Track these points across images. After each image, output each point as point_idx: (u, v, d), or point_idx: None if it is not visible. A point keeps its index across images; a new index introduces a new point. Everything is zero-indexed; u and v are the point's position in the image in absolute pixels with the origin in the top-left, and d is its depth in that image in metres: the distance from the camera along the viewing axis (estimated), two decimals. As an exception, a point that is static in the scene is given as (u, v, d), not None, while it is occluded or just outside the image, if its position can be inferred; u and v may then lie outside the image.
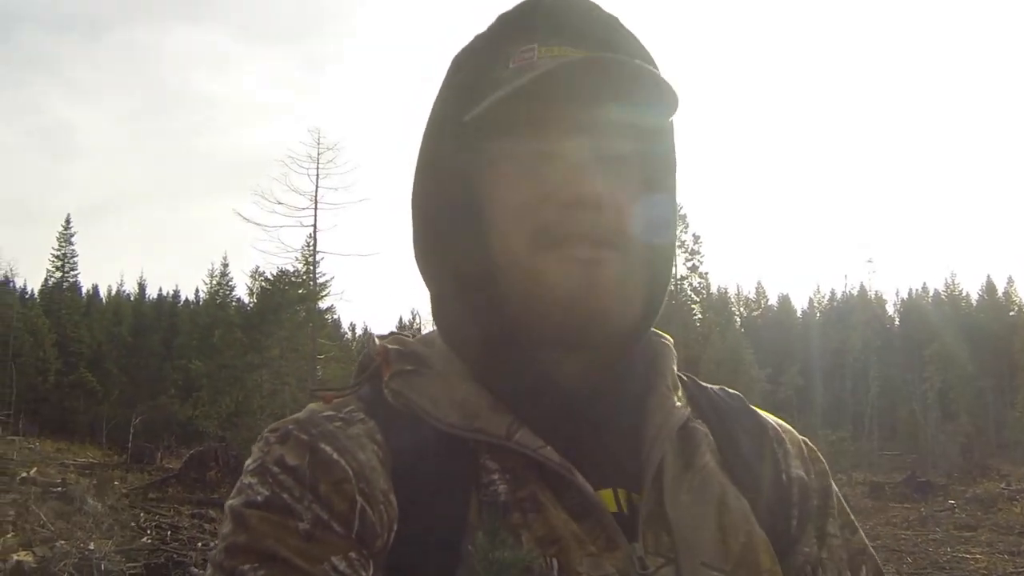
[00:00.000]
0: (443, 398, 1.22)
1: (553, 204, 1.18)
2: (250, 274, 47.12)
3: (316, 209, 44.55)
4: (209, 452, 26.21)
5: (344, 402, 1.26)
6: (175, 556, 11.95)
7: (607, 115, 1.22)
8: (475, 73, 1.28)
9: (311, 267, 45.05)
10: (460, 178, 1.26)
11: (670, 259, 1.33)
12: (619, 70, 1.18)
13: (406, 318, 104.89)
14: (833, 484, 1.44)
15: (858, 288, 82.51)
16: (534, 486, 1.18)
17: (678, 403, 1.33)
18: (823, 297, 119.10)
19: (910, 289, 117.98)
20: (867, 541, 1.43)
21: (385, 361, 1.30)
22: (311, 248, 44.96)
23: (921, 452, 62.28)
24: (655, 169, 1.31)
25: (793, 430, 1.48)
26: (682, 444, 1.31)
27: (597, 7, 1.30)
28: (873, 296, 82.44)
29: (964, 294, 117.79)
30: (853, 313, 69.90)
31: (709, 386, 1.46)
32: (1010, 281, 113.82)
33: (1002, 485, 28.38)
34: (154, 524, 15.47)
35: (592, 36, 1.28)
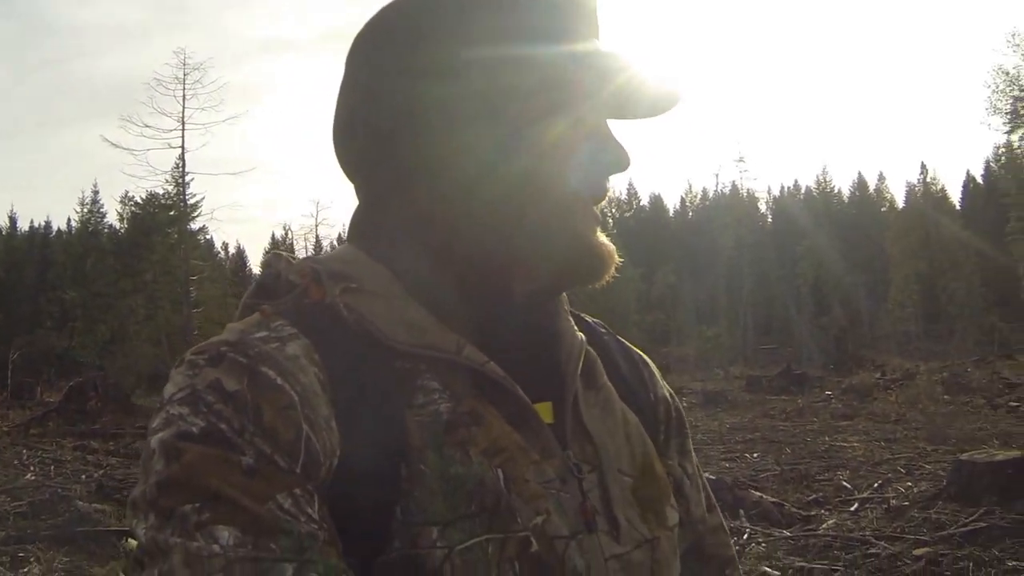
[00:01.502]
0: (388, 317, 1.19)
1: (595, 161, 1.24)
2: (120, 200, 46.29)
3: (184, 130, 44.12)
4: (88, 383, 25.63)
5: (271, 318, 1.18)
6: (59, 490, 11.68)
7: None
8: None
9: (181, 188, 44.75)
10: (497, 92, 1.20)
11: None
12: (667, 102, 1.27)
13: (278, 234, 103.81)
14: None
15: (730, 187, 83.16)
16: (474, 400, 1.18)
17: (575, 327, 1.39)
18: (695, 196, 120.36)
19: (782, 186, 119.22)
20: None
21: (314, 281, 1.23)
22: (180, 169, 44.61)
23: (796, 345, 63.67)
24: None
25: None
26: (583, 366, 1.35)
27: None
28: (745, 194, 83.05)
29: (836, 191, 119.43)
30: (726, 212, 70.50)
31: (582, 314, 1.52)
32: (881, 177, 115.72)
33: (877, 375, 29.13)
34: (37, 460, 15.17)
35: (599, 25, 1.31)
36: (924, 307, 77.54)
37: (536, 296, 1.29)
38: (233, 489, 0.97)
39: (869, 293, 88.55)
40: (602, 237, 1.27)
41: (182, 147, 44.06)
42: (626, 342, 1.56)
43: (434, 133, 1.22)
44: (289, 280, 1.26)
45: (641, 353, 1.57)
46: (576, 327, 1.39)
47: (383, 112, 1.24)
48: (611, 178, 1.27)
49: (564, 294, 1.40)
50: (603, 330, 1.53)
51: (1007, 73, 51.52)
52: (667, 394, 1.53)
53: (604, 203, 1.29)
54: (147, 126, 42.32)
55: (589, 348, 1.38)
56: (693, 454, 1.54)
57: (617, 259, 1.29)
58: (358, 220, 1.33)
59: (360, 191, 1.33)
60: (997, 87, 52.26)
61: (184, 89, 44.15)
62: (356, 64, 1.29)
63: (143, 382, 41.32)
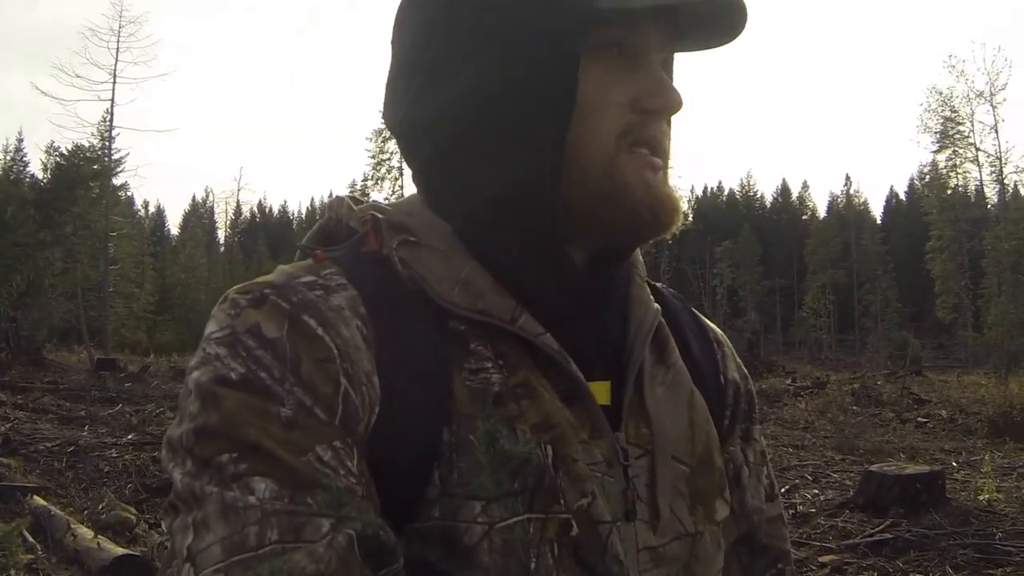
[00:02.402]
0: (445, 275, 1.16)
1: (635, 108, 1.15)
2: (45, 149, 45.49)
3: (115, 83, 43.82)
4: (0, 333, 25.42)
5: (322, 264, 1.16)
6: None
7: (677, 43, 1.22)
8: None
9: (107, 143, 44.29)
10: (570, 73, 1.13)
11: None
12: (733, 13, 1.16)
13: (199, 196, 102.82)
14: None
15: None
16: (527, 372, 1.14)
17: (651, 297, 1.33)
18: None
19: (705, 186, 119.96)
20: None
21: (373, 230, 1.21)
22: (108, 123, 44.19)
23: (709, 347, 64.21)
24: None
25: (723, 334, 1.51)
26: (655, 338, 1.30)
27: None
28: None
29: (759, 195, 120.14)
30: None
31: (658, 284, 1.46)
32: (805, 185, 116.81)
33: (787, 381, 29.48)
34: (-55, 410, 15.07)
35: None
36: (838, 317, 78.51)
37: (596, 261, 1.23)
38: (271, 441, 0.96)
39: (785, 299, 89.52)
40: (659, 187, 1.17)
41: (111, 100, 43.91)
42: (703, 318, 1.50)
43: (461, 72, 1.17)
44: (350, 226, 1.24)
45: (717, 331, 1.50)
46: (651, 298, 1.33)
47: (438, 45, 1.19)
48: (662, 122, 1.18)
49: (640, 262, 1.36)
50: (679, 303, 1.47)
51: (940, 93, 52.27)
52: (738, 377, 1.46)
53: (665, 148, 1.20)
54: (78, 76, 41.86)
55: (663, 321, 1.33)
56: (760, 441, 1.48)
57: (681, 209, 1.20)
58: (423, 168, 1.26)
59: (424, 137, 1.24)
60: (929, 106, 53.04)
61: (118, 41, 43.80)
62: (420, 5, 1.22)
63: (55, 336, 40.83)
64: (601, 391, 1.20)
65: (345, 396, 1.02)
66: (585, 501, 1.11)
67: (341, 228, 1.26)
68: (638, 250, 1.35)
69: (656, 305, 1.31)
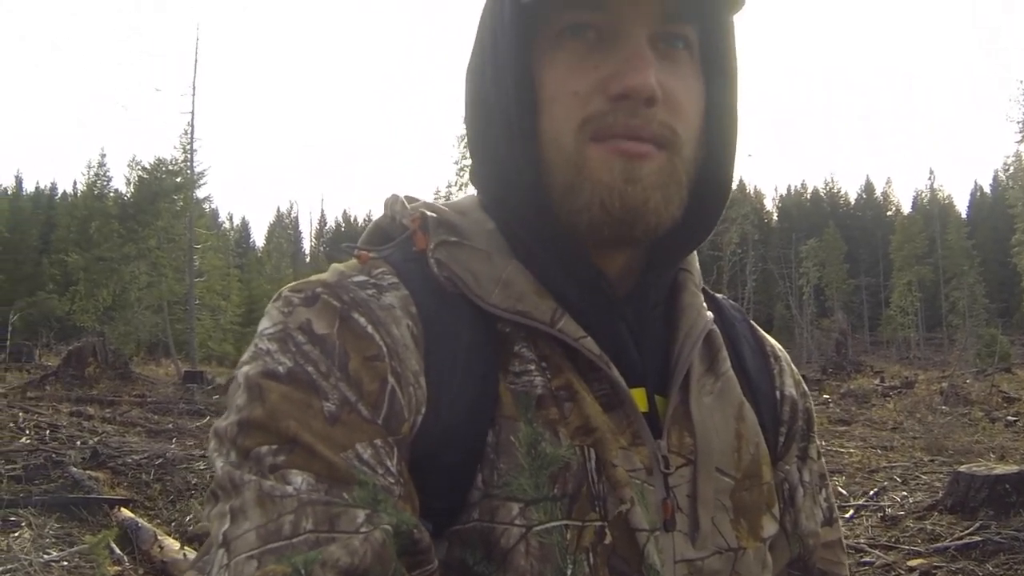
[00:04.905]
0: (486, 275, 1.16)
1: (605, 94, 1.10)
2: (128, 163, 46.30)
3: (194, 95, 44.18)
4: (87, 348, 25.63)
5: (374, 264, 1.18)
6: (53, 456, 11.63)
7: (671, 5, 1.12)
8: None
9: (188, 155, 44.61)
10: (518, 61, 1.14)
11: (729, 162, 1.23)
12: None
13: (283, 207, 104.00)
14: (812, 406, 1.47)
15: (737, 182, 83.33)
16: (569, 375, 1.14)
17: (704, 305, 1.31)
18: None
19: (789, 186, 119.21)
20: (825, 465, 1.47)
21: (421, 228, 1.22)
22: (189, 135, 44.51)
23: (796, 347, 63.60)
24: (716, 67, 1.21)
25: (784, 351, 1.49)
26: (705, 347, 1.29)
27: None
28: (752, 191, 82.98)
29: (843, 193, 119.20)
30: (732, 206, 70.58)
31: (716, 294, 1.45)
32: (888, 182, 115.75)
33: (875, 382, 28.97)
34: (33, 424, 15.09)
35: None
36: (925, 315, 77.61)
37: (635, 264, 1.23)
38: (311, 435, 0.96)
39: (871, 297, 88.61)
40: (634, 176, 1.10)
41: (192, 112, 44.19)
42: (761, 331, 1.47)
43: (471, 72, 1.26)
44: (402, 224, 1.26)
45: (776, 345, 1.47)
46: (704, 305, 1.31)
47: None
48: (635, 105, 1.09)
49: (695, 269, 1.34)
50: (738, 314, 1.45)
51: (1021, 82, 51.61)
52: (796, 393, 1.42)
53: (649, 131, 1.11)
54: (158, 90, 42.42)
55: (714, 328, 1.31)
56: (819, 462, 1.45)
57: (653, 204, 1.11)
58: (477, 166, 1.28)
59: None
60: (1013, 97, 52.52)
61: (196, 53, 44.18)
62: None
63: (142, 350, 41.40)
64: (639, 398, 1.18)
65: (391, 395, 1.03)
66: (624, 508, 1.10)
67: (395, 226, 1.28)
68: (695, 258, 1.34)
69: (709, 314, 1.29)
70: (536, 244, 1.17)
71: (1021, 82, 52.17)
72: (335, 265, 1.17)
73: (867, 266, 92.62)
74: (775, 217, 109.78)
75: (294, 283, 1.13)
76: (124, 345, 35.68)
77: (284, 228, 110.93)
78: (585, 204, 1.11)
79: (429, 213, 1.23)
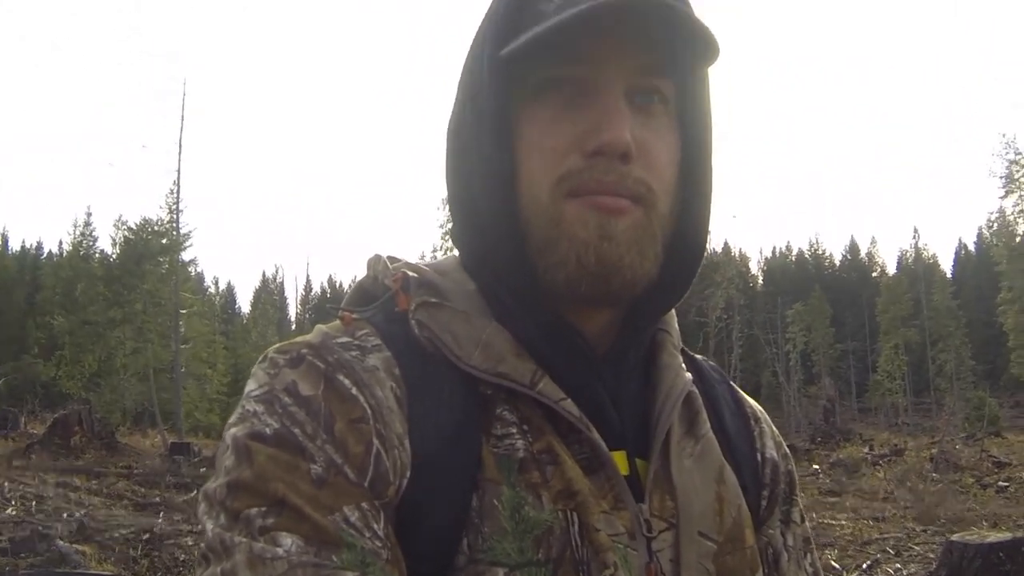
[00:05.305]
0: (467, 336, 1.16)
1: (581, 150, 1.11)
2: (114, 223, 46.20)
3: (180, 154, 44.09)
4: (73, 416, 25.52)
5: (357, 325, 1.18)
6: (40, 528, 11.59)
7: (646, 59, 1.13)
8: (520, 5, 1.17)
9: (174, 216, 44.45)
10: (498, 118, 1.15)
11: (705, 218, 1.24)
12: (666, 13, 1.08)
13: (269, 272, 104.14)
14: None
15: (722, 245, 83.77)
16: (550, 437, 1.13)
17: (683, 366, 1.31)
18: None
19: (774, 247, 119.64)
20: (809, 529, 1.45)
21: (403, 288, 1.23)
22: (175, 196, 44.40)
23: (784, 416, 63.56)
24: (691, 120, 1.21)
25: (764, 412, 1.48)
26: (685, 408, 1.28)
27: None
28: (737, 253, 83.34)
29: (827, 254, 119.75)
30: (717, 270, 70.76)
31: (696, 356, 1.44)
32: (873, 242, 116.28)
33: (865, 450, 29.09)
34: (18, 495, 15.08)
35: None
36: (912, 379, 77.71)
37: (615, 325, 1.22)
38: (299, 498, 0.97)
39: (858, 362, 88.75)
40: (610, 232, 1.10)
41: (178, 171, 43.97)
42: (741, 393, 1.46)
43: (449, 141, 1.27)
44: (385, 284, 1.26)
45: (756, 407, 1.46)
46: (683, 366, 1.30)
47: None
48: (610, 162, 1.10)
49: (675, 331, 1.34)
50: (717, 375, 1.44)
51: (1003, 135, 52.17)
52: (777, 455, 1.41)
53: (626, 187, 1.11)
54: (144, 147, 42.48)
55: (694, 390, 1.30)
56: (803, 525, 1.42)
57: (629, 260, 1.11)
58: (457, 224, 1.28)
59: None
60: (994, 150, 52.91)
61: (183, 111, 44.14)
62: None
63: (128, 419, 41.13)
64: (619, 460, 1.17)
65: (377, 458, 1.03)
66: (607, 573, 1.09)
67: (377, 286, 1.28)
68: (674, 319, 1.35)
69: (688, 375, 1.29)
70: (515, 304, 1.17)
71: (1003, 135, 52.58)
72: (319, 326, 1.18)
73: (853, 329, 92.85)
74: (760, 280, 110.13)
75: (279, 344, 1.14)
76: (110, 414, 35.57)
77: (270, 294, 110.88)
78: (562, 259, 1.12)
79: (410, 273, 1.24)
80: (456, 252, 1.32)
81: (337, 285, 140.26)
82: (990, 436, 32.65)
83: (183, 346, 43.83)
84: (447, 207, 1.30)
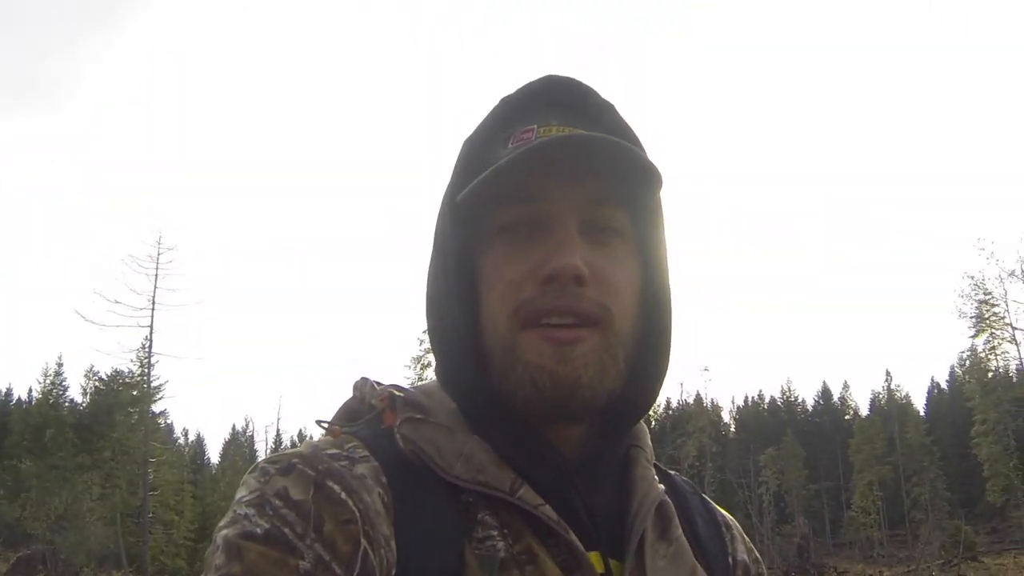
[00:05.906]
0: (449, 449, 1.23)
1: (534, 280, 1.20)
2: (85, 374, 46.05)
3: (153, 310, 44.40)
4: (37, 556, 25.27)
5: (345, 438, 1.25)
6: None
7: (595, 192, 1.24)
8: (479, 153, 1.30)
9: (146, 369, 44.67)
10: (459, 258, 1.27)
11: (666, 336, 1.33)
12: (606, 147, 1.19)
13: (239, 425, 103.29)
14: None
15: (694, 396, 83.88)
16: (530, 539, 1.19)
17: (656, 478, 1.39)
18: (658, 406, 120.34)
19: (746, 396, 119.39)
20: None
21: (389, 407, 1.30)
22: (147, 350, 44.64)
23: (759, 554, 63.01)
24: (648, 247, 1.32)
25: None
26: (658, 516, 1.34)
27: (594, 92, 1.35)
28: (709, 404, 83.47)
29: (800, 400, 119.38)
30: (689, 420, 70.73)
31: (669, 470, 1.51)
32: (845, 386, 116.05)
33: (839, 584, 28.75)
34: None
35: (587, 117, 1.32)
36: (888, 512, 77.16)
37: (589, 436, 1.30)
38: None
39: (832, 500, 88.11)
40: (565, 356, 1.19)
41: (150, 327, 44.25)
42: (712, 503, 1.54)
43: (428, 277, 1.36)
44: (371, 404, 1.34)
45: (728, 515, 1.53)
46: (656, 478, 1.38)
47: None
48: (560, 288, 1.20)
49: (647, 446, 1.41)
50: (689, 487, 1.52)
51: (971, 277, 52.72)
52: (748, 559, 1.48)
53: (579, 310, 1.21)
54: (117, 302, 42.49)
55: (666, 499, 1.37)
56: None
57: (586, 379, 1.20)
58: (435, 355, 1.37)
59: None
60: (963, 291, 53.40)
61: (157, 269, 44.62)
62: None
63: (93, 560, 40.48)
64: (595, 561, 1.22)
65: (364, 556, 1.08)
66: None
67: (363, 406, 1.36)
68: (646, 434, 1.42)
69: (660, 486, 1.37)
70: (487, 422, 1.25)
71: (969, 276, 53.08)
72: (307, 440, 1.25)
73: (826, 470, 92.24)
74: (732, 428, 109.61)
75: (270, 455, 1.19)
76: (75, 555, 35.01)
77: (239, 446, 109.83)
78: (518, 383, 1.21)
79: (397, 393, 1.33)
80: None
81: (308, 439, 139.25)
82: (967, 561, 32.42)
83: (151, 493, 43.56)
84: (423, 347, 1.41)
